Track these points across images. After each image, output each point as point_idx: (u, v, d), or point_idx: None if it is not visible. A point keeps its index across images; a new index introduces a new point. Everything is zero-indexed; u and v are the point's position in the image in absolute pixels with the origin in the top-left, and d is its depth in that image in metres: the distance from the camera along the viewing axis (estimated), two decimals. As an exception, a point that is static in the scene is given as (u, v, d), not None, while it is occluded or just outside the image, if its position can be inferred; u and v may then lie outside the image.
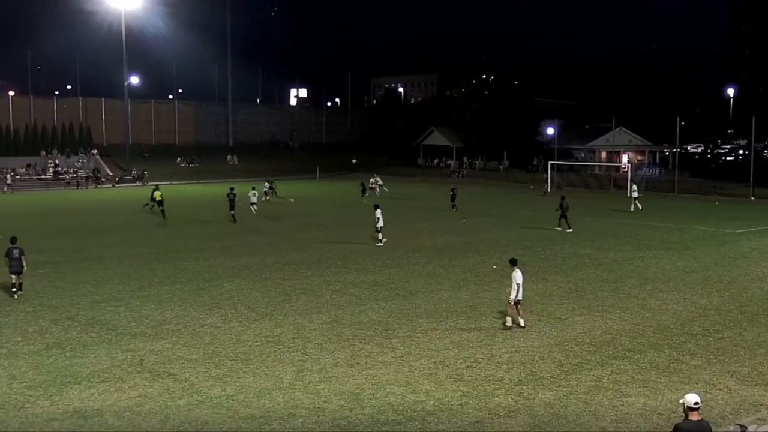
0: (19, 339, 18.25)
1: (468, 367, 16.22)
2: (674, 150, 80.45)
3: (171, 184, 77.36)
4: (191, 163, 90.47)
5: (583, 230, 39.71)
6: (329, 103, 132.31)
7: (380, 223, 33.86)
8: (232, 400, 14.17)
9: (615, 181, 73.11)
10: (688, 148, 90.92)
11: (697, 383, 15.05)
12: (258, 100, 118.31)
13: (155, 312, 21.11)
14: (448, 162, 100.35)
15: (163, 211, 45.68)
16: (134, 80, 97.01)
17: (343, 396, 14.37)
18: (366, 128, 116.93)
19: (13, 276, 22.94)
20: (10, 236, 24.37)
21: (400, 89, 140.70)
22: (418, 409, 13.73)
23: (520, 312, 19.41)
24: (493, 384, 15.14)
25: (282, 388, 14.84)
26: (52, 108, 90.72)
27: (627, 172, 72.85)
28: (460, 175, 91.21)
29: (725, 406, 13.99)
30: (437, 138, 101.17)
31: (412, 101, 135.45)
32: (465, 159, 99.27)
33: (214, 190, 49.88)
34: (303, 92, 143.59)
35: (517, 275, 19.30)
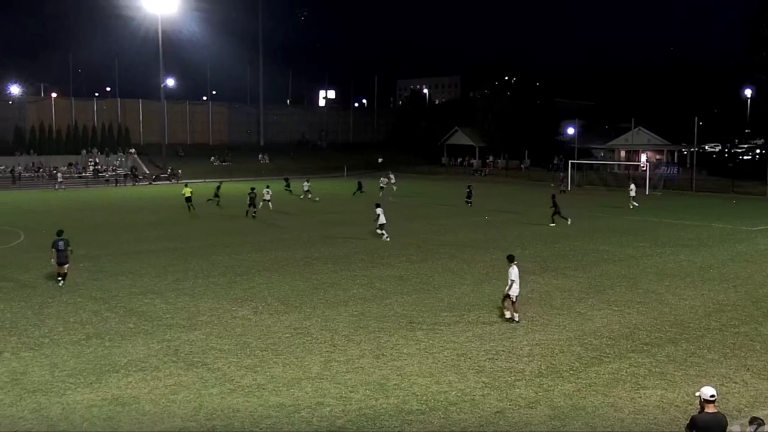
0: (61, 329, 18.48)
1: (490, 359, 16.18)
2: (692, 149, 79.60)
3: (205, 182, 77.84)
4: (224, 162, 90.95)
5: (602, 227, 39.47)
6: (356, 104, 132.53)
7: (381, 220, 34.08)
8: (263, 389, 14.24)
9: (634, 180, 72.50)
10: (706, 147, 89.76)
11: (713, 377, 14.89)
12: (288, 101, 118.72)
13: (190, 304, 21.26)
14: (471, 161, 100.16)
15: (192, 207, 46.33)
16: (170, 82, 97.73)
17: (369, 386, 14.40)
18: (392, 128, 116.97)
19: (60, 266, 23.52)
20: (57, 229, 24.86)
21: (425, 91, 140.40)
22: (441, 399, 13.73)
23: (515, 307, 19.25)
24: (513, 375, 15.09)
25: (310, 377, 14.89)
26: (92, 109, 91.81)
27: (646, 170, 72.21)
28: (482, 174, 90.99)
29: (741, 399, 13.86)
30: (460, 137, 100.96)
31: (437, 102, 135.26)
32: (492, 158, 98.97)
33: (246, 187, 50.08)
34: (331, 93, 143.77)
35: (513, 271, 19.13)
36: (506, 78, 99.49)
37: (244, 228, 39.51)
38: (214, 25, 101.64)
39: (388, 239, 33.66)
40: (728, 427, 9.76)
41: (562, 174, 72.77)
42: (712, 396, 9.57)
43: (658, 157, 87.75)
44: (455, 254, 30.20)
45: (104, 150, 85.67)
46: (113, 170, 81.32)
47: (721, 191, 64.87)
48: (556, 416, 12.98)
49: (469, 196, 49.99)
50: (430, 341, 17.49)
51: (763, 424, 9.76)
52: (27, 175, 76.14)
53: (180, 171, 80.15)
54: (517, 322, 19.06)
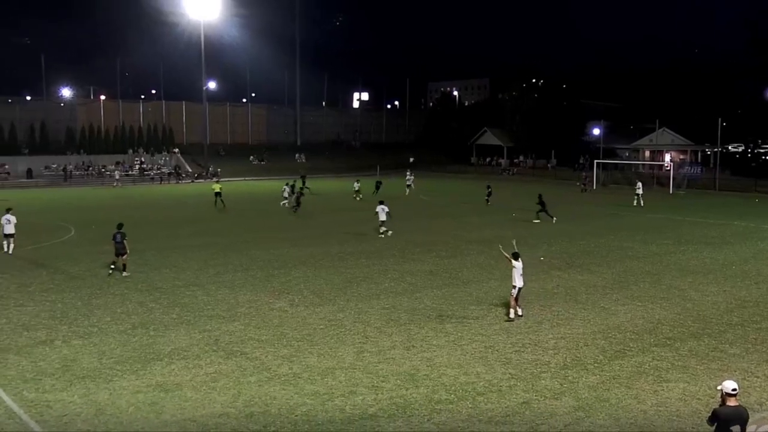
0: (109, 319, 18.74)
1: (516, 351, 16.11)
2: (715, 149, 78.35)
3: (244, 180, 78.60)
4: (262, 161, 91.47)
5: (627, 225, 39.07)
6: (389, 106, 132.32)
7: (381, 217, 33.99)
8: (299, 377, 14.32)
9: (658, 179, 71.78)
10: (729, 147, 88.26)
11: (735, 371, 14.67)
12: (323, 102, 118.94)
13: (229, 296, 21.44)
14: (499, 160, 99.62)
15: (222, 201, 47.46)
16: (212, 85, 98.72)
17: (400, 376, 14.41)
18: (423, 129, 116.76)
19: (116, 256, 24.41)
20: (118, 222, 25.67)
21: (455, 93, 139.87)
22: (469, 390, 13.70)
23: (519, 302, 18.95)
24: (539, 367, 15.01)
25: (344, 367, 14.94)
26: (138, 111, 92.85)
27: (669, 170, 71.29)
28: (510, 173, 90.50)
29: (762, 393, 13.64)
30: (489, 138, 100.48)
31: (466, 104, 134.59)
32: (522, 158, 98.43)
33: (282, 186, 50.39)
34: (365, 95, 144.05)
35: (517, 264, 18.77)
36: (534, 80, 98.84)
37: (280, 224, 39.72)
38: (253, 31, 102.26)
39: (390, 233, 33.75)
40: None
41: (584, 173, 72.16)
42: (734, 390, 9.43)
43: (681, 156, 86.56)
44: (483, 250, 30.06)
45: (149, 149, 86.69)
46: (158, 169, 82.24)
47: (743, 190, 63.80)
48: (580, 407, 12.89)
49: (489, 195, 49.98)
50: (459, 334, 17.45)
51: None
52: (78, 173, 77.40)
53: (219, 170, 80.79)
54: (512, 319, 18.64)
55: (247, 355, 15.76)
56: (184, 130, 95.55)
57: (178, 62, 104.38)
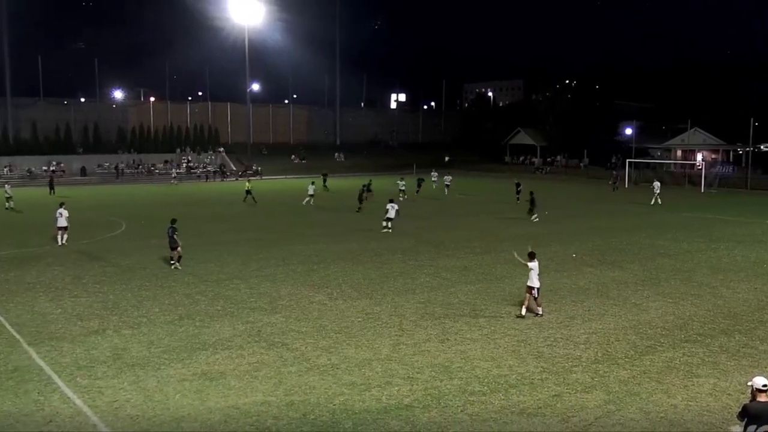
0: (157, 310, 19.02)
1: (548, 345, 15.98)
2: (747, 149, 76.72)
3: (286, 178, 79.10)
4: (303, 160, 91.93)
5: (658, 223, 38.48)
6: (425, 107, 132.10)
7: (389, 215, 34.12)
8: (337, 368, 14.38)
9: (689, 178, 70.59)
10: (761, 147, 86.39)
11: (765, 367, 14.37)
12: (362, 103, 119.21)
13: (271, 289, 21.60)
14: (533, 159, 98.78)
15: (253, 198, 48.34)
16: (255, 87, 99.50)
17: (435, 368, 14.39)
18: (458, 129, 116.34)
19: (171, 249, 25.02)
20: (171, 218, 26.21)
21: (490, 94, 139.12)
22: (502, 382, 13.63)
23: (539, 301, 18.57)
24: (571, 361, 14.87)
25: (380, 359, 14.97)
26: (185, 111, 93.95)
27: (702, 169, 70.03)
28: (543, 172, 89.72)
29: (793, 389, 13.33)
30: (523, 138, 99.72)
31: (501, 104, 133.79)
32: (558, 157, 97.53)
33: (320, 184, 50.67)
34: (402, 97, 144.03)
35: (533, 264, 18.35)
36: (567, 82, 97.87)
37: (318, 221, 39.90)
38: (295, 35, 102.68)
39: (390, 231, 33.78)
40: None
41: (615, 172, 71.22)
42: (765, 385, 9.27)
43: (713, 156, 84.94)
44: (516, 247, 29.76)
45: (196, 149, 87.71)
46: (204, 167, 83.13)
47: (775, 189, 62.45)
48: (611, 401, 12.75)
49: (518, 192, 49.63)
50: (492, 328, 17.37)
51: None
52: (128, 171, 78.68)
53: (260, 168, 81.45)
54: (523, 316, 18.27)
55: (288, 346, 15.87)
56: (229, 130, 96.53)
57: (223, 65, 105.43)
